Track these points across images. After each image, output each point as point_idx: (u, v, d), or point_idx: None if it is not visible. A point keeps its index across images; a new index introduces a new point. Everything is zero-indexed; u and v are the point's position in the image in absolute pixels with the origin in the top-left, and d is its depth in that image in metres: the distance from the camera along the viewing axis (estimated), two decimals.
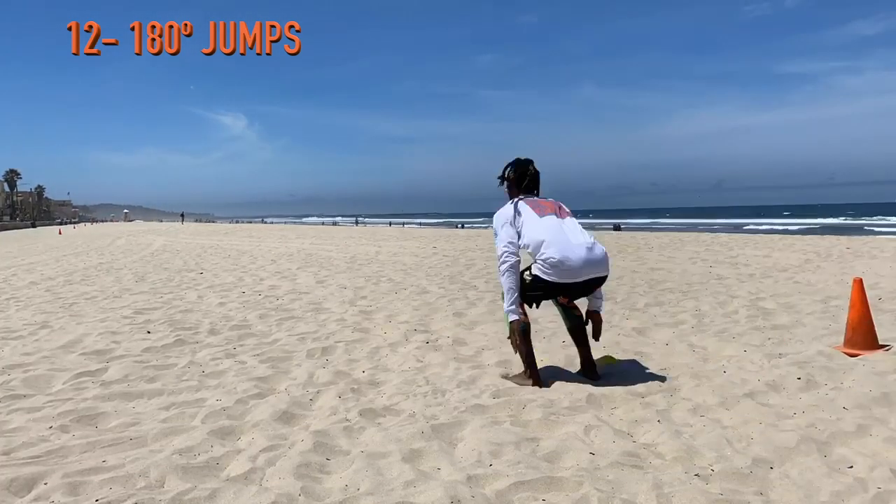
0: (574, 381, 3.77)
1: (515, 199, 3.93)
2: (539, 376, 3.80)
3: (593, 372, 3.96)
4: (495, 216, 3.93)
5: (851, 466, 2.58)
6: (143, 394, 3.73)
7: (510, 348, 4.64)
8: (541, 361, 4.24)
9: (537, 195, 4.03)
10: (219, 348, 4.90)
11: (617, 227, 30.37)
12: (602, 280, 3.83)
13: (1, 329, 5.85)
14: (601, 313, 4.07)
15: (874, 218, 58.10)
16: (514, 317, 3.76)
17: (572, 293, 3.86)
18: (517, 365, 4.21)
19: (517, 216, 3.84)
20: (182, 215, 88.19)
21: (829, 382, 3.64)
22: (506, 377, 3.95)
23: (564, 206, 3.99)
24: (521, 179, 4.02)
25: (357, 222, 66.30)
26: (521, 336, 3.78)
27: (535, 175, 4.06)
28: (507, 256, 3.76)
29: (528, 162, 4.06)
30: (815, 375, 3.74)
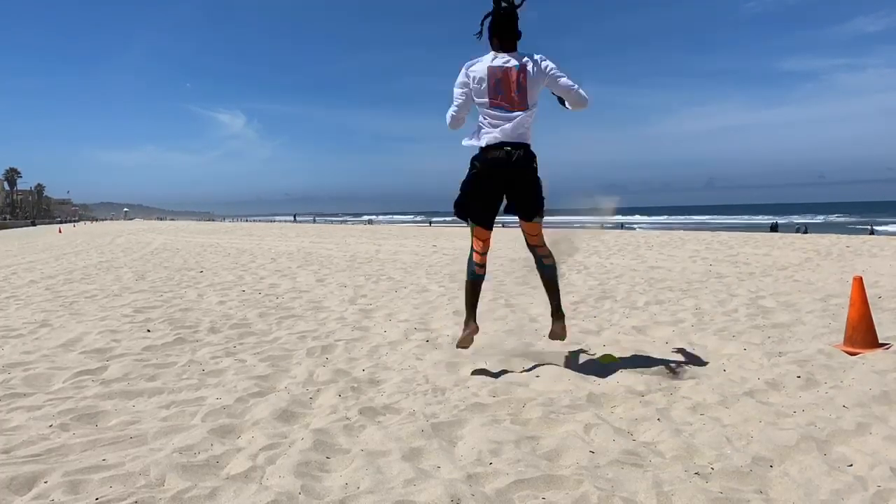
0: (574, 380, 3.77)
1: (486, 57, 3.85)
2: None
3: (560, 330, 4.21)
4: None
5: (851, 465, 2.58)
6: (143, 392, 3.73)
7: (510, 347, 4.64)
8: (539, 362, 4.24)
9: (514, 48, 3.85)
10: (219, 347, 4.90)
11: (774, 228, 27.80)
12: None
13: (1, 327, 5.84)
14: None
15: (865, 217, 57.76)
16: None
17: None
18: (517, 363, 4.21)
19: (470, 81, 3.83)
20: (294, 216, 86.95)
21: (829, 381, 3.64)
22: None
23: (527, 89, 3.81)
24: (492, 26, 3.86)
25: (314, 220, 67.18)
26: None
27: (503, 17, 3.83)
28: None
29: (499, 7, 3.85)
30: (814, 374, 3.74)
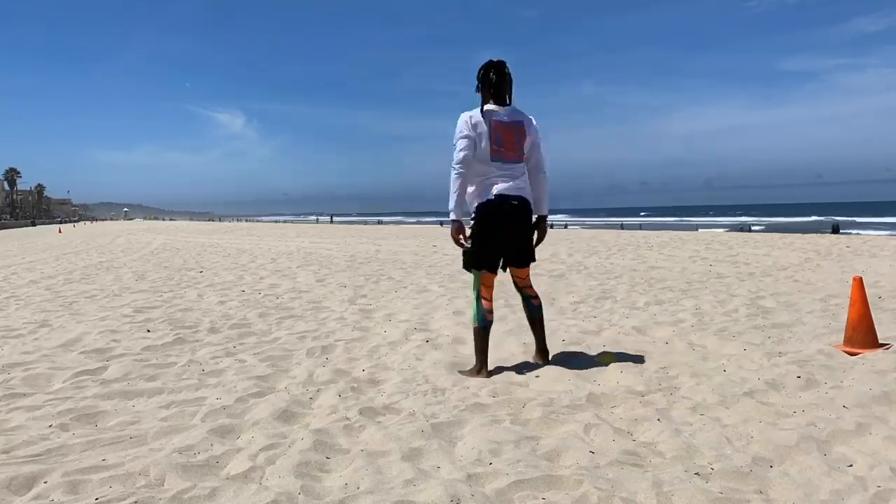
0: (574, 380, 3.77)
1: (482, 107, 3.87)
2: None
3: (545, 357, 4.17)
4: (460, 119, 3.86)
5: (851, 465, 2.58)
6: (142, 392, 3.73)
7: (510, 347, 4.64)
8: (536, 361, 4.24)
9: (509, 103, 3.92)
10: (219, 347, 4.90)
11: (835, 230, 24.99)
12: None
13: (1, 327, 5.85)
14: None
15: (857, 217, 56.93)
16: (453, 216, 3.83)
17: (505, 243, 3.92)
18: (516, 363, 4.21)
19: (472, 131, 3.80)
20: (331, 217, 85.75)
21: (829, 381, 3.64)
22: (462, 372, 4.00)
23: (527, 140, 3.92)
24: (487, 81, 3.89)
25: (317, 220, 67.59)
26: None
27: (504, 73, 3.90)
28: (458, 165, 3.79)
29: (500, 62, 3.93)
30: (814, 374, 3.74)
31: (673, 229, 30.37)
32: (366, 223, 56.57)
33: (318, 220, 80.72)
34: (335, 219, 74.81)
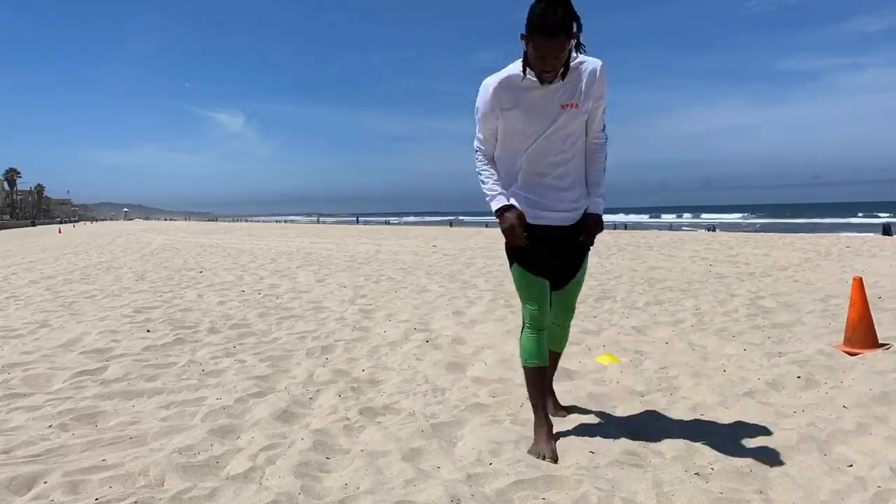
0: (574, 380, 3.77)
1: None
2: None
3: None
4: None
5: (851, 465, 2.58)
6: (142, 392, 3.72)
7: (510, 347, 4.64)
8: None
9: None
10: (218, 347, 4.89)
11: (887, 231, 22.22)
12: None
13: (1, 327, 5.84)
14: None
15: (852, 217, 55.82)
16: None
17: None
18: (516, 363, 4.20)
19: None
20: (357, 217, 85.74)
21: (829, 381, 3.64)
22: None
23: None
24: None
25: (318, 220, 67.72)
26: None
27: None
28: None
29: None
30: (814, 374, 3.74)
31: (647, 229, 30.51)
32: (367, 223, 56.73)
33: (318, 219, 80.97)
34: (361, 219, 73.92)
